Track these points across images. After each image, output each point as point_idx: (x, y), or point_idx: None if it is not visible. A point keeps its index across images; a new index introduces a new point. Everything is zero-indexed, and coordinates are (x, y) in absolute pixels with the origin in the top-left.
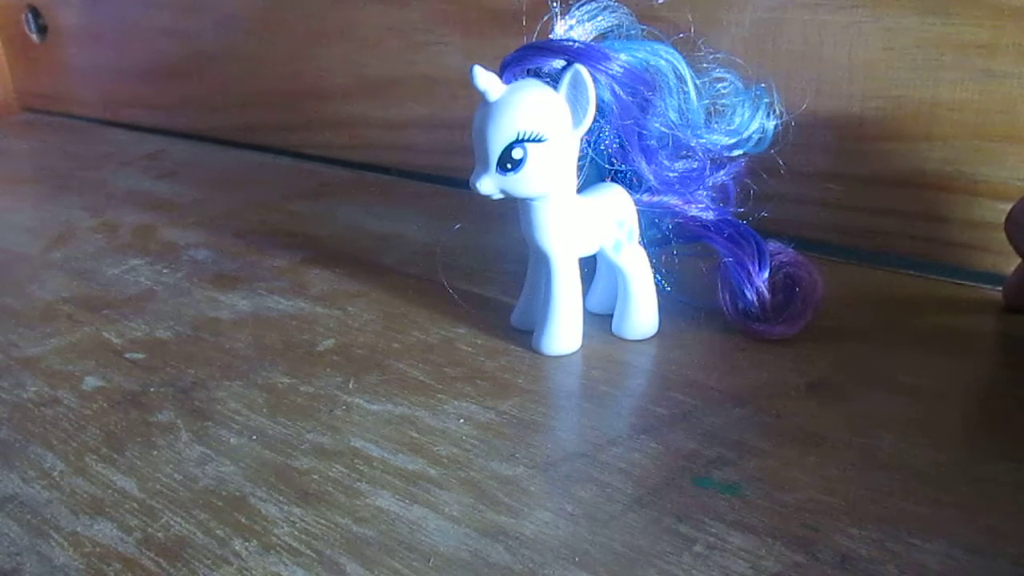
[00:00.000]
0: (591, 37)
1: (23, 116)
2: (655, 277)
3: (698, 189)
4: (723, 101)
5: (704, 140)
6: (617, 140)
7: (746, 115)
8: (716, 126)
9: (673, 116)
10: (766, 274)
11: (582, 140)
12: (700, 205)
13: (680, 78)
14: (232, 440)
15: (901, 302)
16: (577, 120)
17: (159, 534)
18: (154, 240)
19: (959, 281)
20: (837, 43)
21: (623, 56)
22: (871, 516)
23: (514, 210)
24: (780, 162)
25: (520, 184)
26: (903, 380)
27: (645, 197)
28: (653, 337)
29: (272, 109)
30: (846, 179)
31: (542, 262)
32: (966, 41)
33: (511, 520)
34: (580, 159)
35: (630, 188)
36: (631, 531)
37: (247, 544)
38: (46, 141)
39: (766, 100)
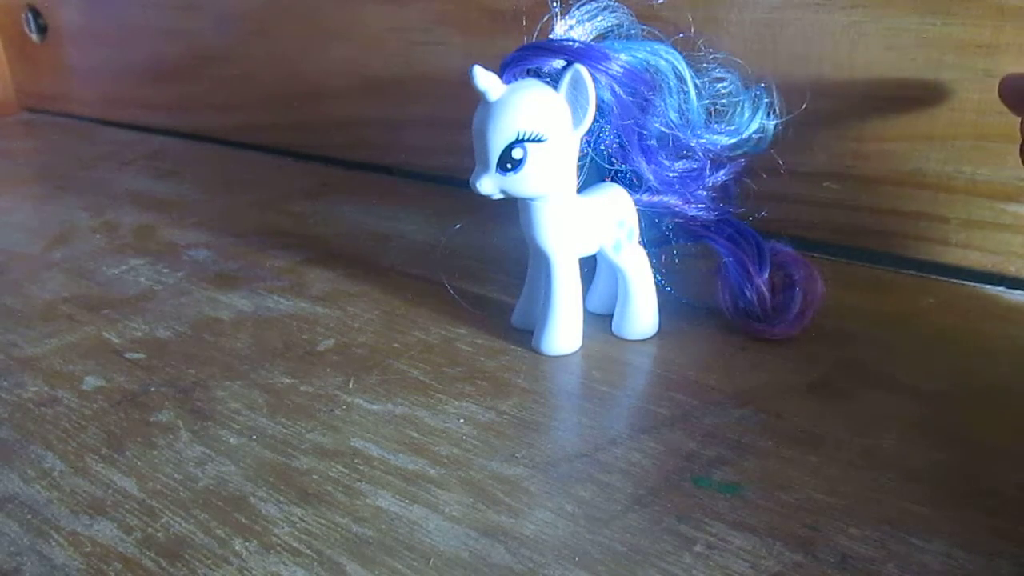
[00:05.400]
0: (591, 37)
1: (23, 116)
2: (655, 277)
3: (698, 189)
4: (723, 101)
5: (704, 140)
6: (617, 140)
7: (746, 115)
8: (716, 126)
9: (673, 116)
10: (766, 274)
11: (582, 140)
12: (700, 205)
13: (680, 78)
14: (232, 440)
15: (901, 302)
16: (577, 120)
17: (159, 534)
18: (154, 240)
19: (958, 281)
20: (837, 43)
21: (623, 56)
22: (871, 516)
23: (514, 210)
24: (780, 162)
25: (520, 184)
26: (903, 380)
27: (645, 197)
28: (653, 337)
29: (272, 109)
30: (846, 179)
31: (542, 262)
32: (966, 41)
33: (511, 520)
34: (580, 159)
35: (630, 188)
36: (631, 531)
37: (247, 544)
38: (46, 141)
39: (766, 100)
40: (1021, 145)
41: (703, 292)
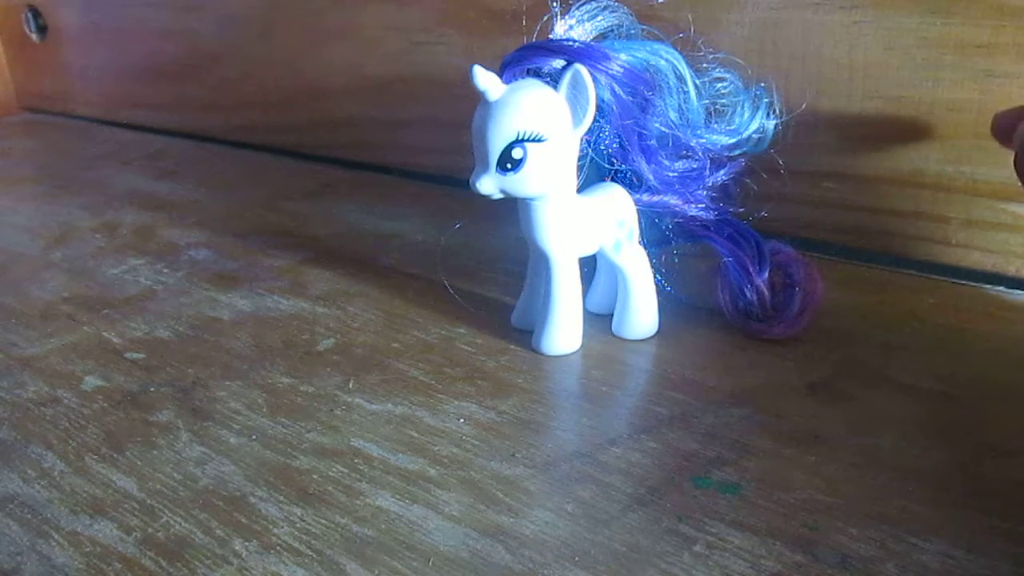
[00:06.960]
0: (591, 37)
1: (23, 116)
2: (655, 277)
3: (698, 189)
4: (723, 101)
5: (704, 140)
6: (617, 140)
7: (746, 115)
8: (716, 126)
9: (673, 116)
10: (766, 274)
11: (582, 140)
12: (700, 205)
13: (680, 78)
14: (232, 440)
15: (901, 302)
16: (577, 120)
17: (159, 534)
18: (154, 240)
19: (959, 281)
20: (837, 43)
21: (623, 56)
22: (871, 516)
23: (514, 210)
24: (780, 162)
25: (520, 184)
26: (903, 380)
27: (645, 197)
28: (653, 337)
29: (272, 109)
30: (846, 179)
31: (542, 262)
32: (966, 41)
33: (511, 520)
34: (580, 159)
35: (630, 188)
36: (631, 531)
37: (247, 544)
38: (46, 141)
39: (766, 100)
40: (1015, 157)
41: (703, 292)
